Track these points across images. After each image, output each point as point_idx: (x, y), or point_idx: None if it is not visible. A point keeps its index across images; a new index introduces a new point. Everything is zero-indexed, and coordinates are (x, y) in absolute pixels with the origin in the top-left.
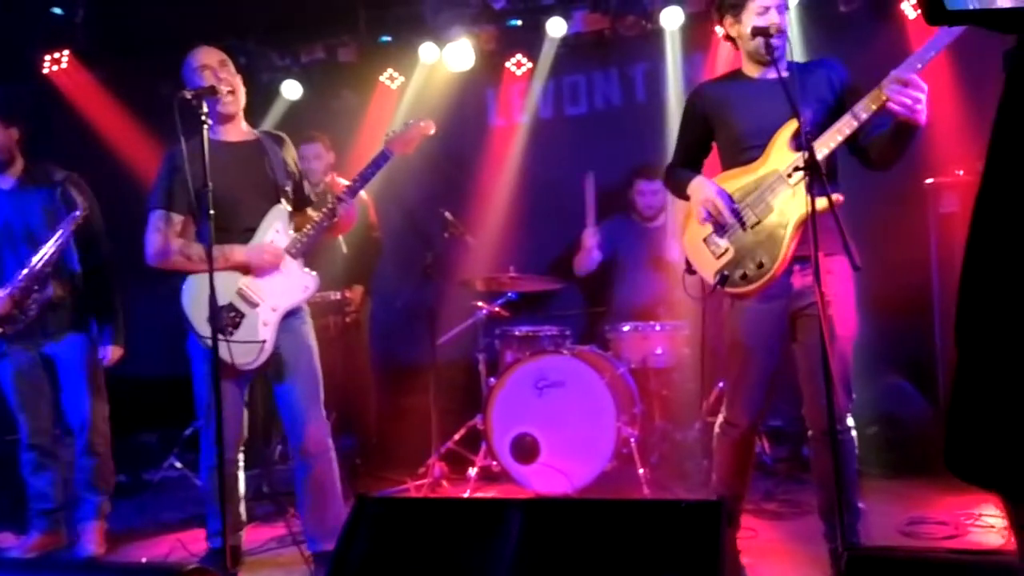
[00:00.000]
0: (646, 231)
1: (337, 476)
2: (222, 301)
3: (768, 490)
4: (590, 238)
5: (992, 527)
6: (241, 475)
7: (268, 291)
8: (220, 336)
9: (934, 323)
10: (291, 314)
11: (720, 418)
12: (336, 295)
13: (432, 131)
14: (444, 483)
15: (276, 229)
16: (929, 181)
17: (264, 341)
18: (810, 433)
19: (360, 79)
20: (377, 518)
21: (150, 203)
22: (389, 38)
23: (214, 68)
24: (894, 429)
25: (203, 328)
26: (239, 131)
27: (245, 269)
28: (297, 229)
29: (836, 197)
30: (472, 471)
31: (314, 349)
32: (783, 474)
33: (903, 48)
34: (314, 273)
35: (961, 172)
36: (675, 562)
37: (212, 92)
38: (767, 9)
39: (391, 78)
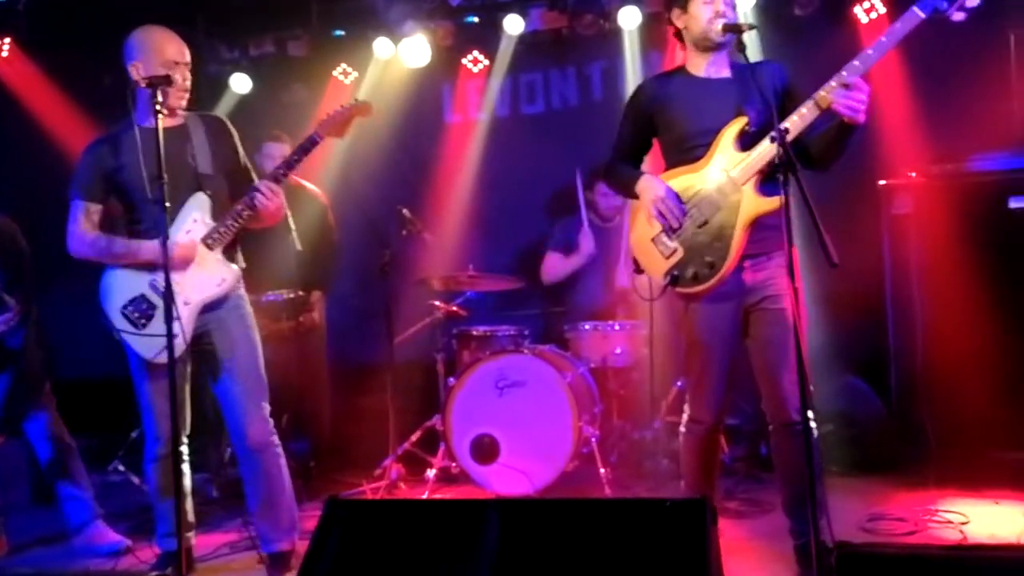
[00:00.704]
0: (604, 231)
1: (286, 472)
2: (133, 293)
3: (728, 489)
4: (586, 242)
5: (950, 523)
6: (187, 471)
7: (181, 284)
8: (131, 330)
9: (887, 323)
10: (217, 307)
11: (684, 417)
12: (291, 295)
13: (370, 113)
14: (401, 485)
15: (194, 219)
16: (882, 183)
17: (175, 335)
18: (771, 427)
19: (312, 73)
20: (348, 522)
21: (69, 193)
22: (342, 32)
23: (182, 67)
24: (849, 427)
25: (118, 320)
26: (168, 119)
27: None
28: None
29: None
30: (430, 472)
31: (252, 342)
32: (742, 473)
33: (856, 52)
34: (234, 266)
35: (914, 174)
36: (661, 562)
37: (168, 82)
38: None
39: (344, 73)
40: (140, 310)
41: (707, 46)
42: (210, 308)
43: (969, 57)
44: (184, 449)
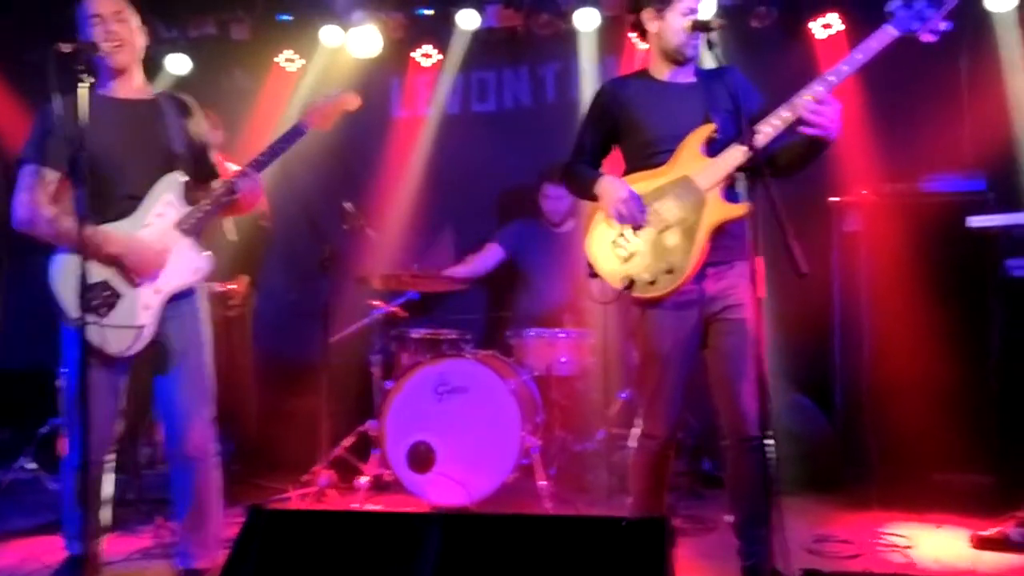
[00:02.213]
0: (553, 236)
1: (220, 486)
2: (96, 278)
3: (670, 505)
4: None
5: (895, 546)
6: (110, 476)
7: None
8: (92, 319)
9: (834, 341)
10: (180, 298)
11: (635, 431)
12: (219, 287)
13: (356, 105)
14: (331, 492)
15: (167, 201)
16: (833, 199)
17: (143, 327)
18: (726, 442)
19: (254, 58)
20: (272, 532)
21: (21, 156)
22: (288, 17)
23: (106, 19)
24: (795, 445)
25: (73, 307)
26: (132, 88)
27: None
28: (193, 203)
29: (747, 205)
30: (362, 480)
31: (207, 342)
32: (684, 488)
33: (811, 66)
34: (207, 253)
35: (865, 192)
36: None
37: (93, 48)
38: (692, 11)
39: (289, 60)
40: (101, 297)
41: (678, 59)
42: (173, 299)
43: (922, 80)
44: (110, 456)
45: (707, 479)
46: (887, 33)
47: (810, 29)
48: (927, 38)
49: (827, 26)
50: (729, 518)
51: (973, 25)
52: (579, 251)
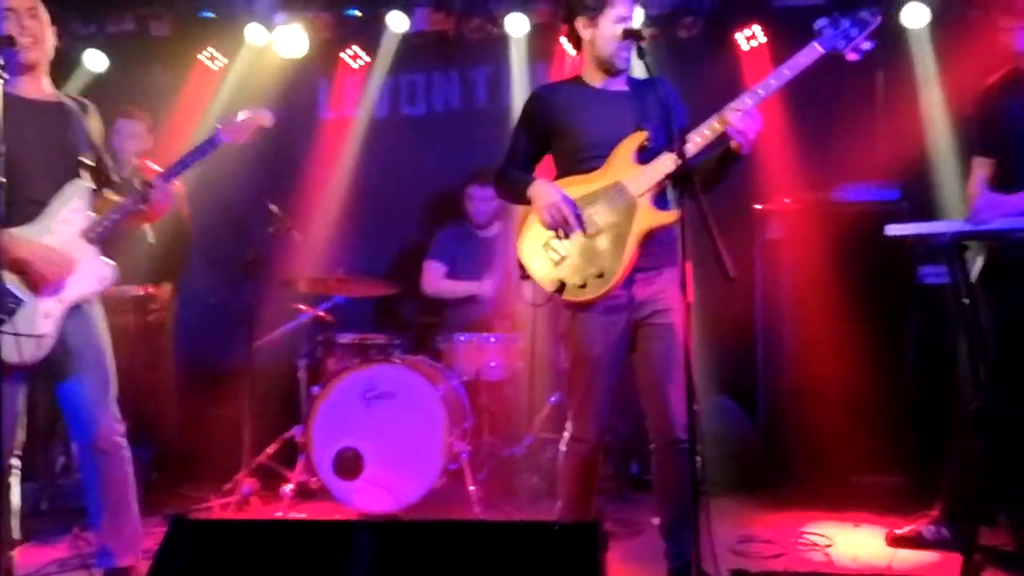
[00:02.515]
0: (480, 240)
1: (133, 482)
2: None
3: (598, 509)
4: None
5: (816, 545)
6: (16, 485)
7: None
8: None
9: (757, 345)
10: (80, 304)
11: (565, 435)
12: (138, 290)
13: (270, 124)
14: (254, 500)
15: (74, 208)
16: (757, 207)
17: (43, 335)
18: (653, 446)
19: (175, 55)
20: (197, 543)
21: None
22: (211, 14)
23: (20, 13)
24: (719, 447)
25: None
26: (39, 88)
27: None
28: (98, 212)
29: (677, 212)
30: (287, 487)
31: (107, 346)
32: (613, 492)
33: (736, 76)
34: (112, 263)
35: (788, 200)
36: None
37: (10, 43)
38: (625, 19)
39: (211, 57)
40: (2, 303)
41: (610, 69)
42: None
43: (841, 93)
44: (16, 462)
45: (635, 482)
46: (814, 50)
47: (735, 40)
48: (851, 57)
49: (751, 38)
50: (656, 521)
51: (889, 41)
52: (507, 255)
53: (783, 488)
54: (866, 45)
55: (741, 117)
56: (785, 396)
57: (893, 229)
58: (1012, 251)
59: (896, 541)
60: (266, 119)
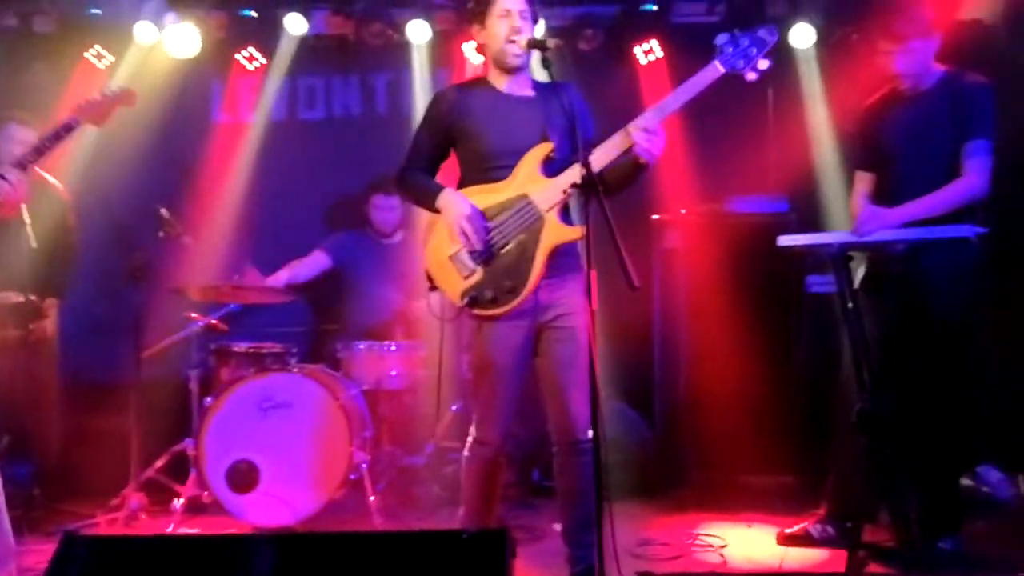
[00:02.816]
0: (382, 247)
1: (2, 496)
2: None
3: (500, 516)
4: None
5: (711, 546)
6: None
7: None
8: None
9: (654, 352)
10: None
11: (469, 440)
12: (19, 297)
13: (134, 102)
14: (142, 516)
15: None
16: (655, 217)
17: None
18: (555, 448)
19: (59, 54)
20: (90, 561)
21: None
22: (99, 11)
23: None
24: (617, 452)
25: None
26: None
27: None
28: None
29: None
30: (177, 502)
31: None
32: (514, 499)
33: (635, 89)
34: None
35: (684, 211)
36: None
37: None
38: (508, 12)
39: (98, 56)
40: None
41: (505, 67)
42: None
43: (734, 107)
44: None
45: (536, 489)
46: (715, 70)
47: (634, 54)
48: (751, 76)
49: (649, 52)
50: (558, 527)
51: (779, 59)
52: (409, 263)
53: (678, 491)
54: (763, 64)
55: (647, 137)
56: (680, 401)
57: (785, 240)
58: (890, 262)
59: (786, 540)
60: (128, 96)
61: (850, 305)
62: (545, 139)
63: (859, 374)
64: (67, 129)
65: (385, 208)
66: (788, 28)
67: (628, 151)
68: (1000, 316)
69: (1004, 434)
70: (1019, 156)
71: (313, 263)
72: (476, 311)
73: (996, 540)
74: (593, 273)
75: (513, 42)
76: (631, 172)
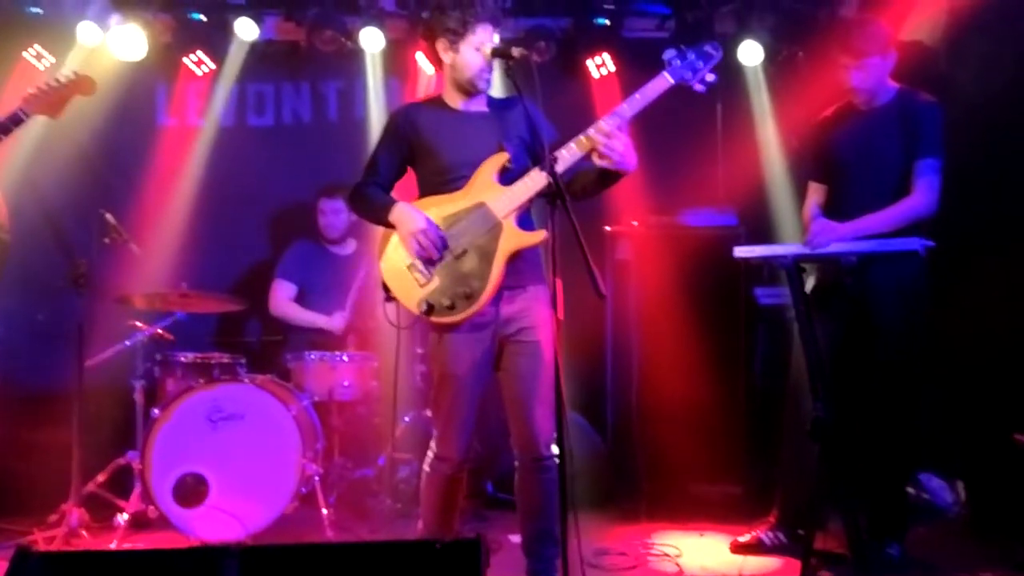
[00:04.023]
0: (333, 257)
1: None
2: None
3: (457, 531)
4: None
5: (666, 555)
6: None
7: None
8: None
9: (606, 363)
10: None
11: (429, 455)
12: None
13: (92, 90)
14: (83, 533)
15: None
16: (607, 228)
17: None
18: (517, 463)
19: None
20: None
21: None
22: (39, 10)
23: None
24: (570, 463)
25: None
26: None
27: None
28: None
29: (540, 233)
30: (121, 517)
31: None
32: (469, 512)
33: (587, 102)
34: None
35: (636, 223)
36: None
37: None
38: (484, 46)
39: (38, 56)
40: None
41: (470, 90)
42: None
43: (684, 122)
44: None
45: (490, 501)
46: (665, 80)
47: (587, 67)
48: (698, 88)
49: (601, 65)
50: (516, 538)
51: (727, 75)
52: (363, 276)
53: (631, 501)
54: (710, 77)
55: (602, 139)
56: (632, 412)
57: (740, 251)
58: (841, 273)
59: (739, 548)
60: (86, 83)
61: (804, 316)
62: (501, 150)
63: (813, 383)
64: (15, 121)
65: (330, 212)
66: (736, 45)
67: (587, 156)
68: (944, 326)
69: (943, 441)
70: (958, 174)
71: (285, 295)
72: (434, 319)
73: (938, 546)
74: (559, 282)
75: (483, 75)
76: (600, 178)
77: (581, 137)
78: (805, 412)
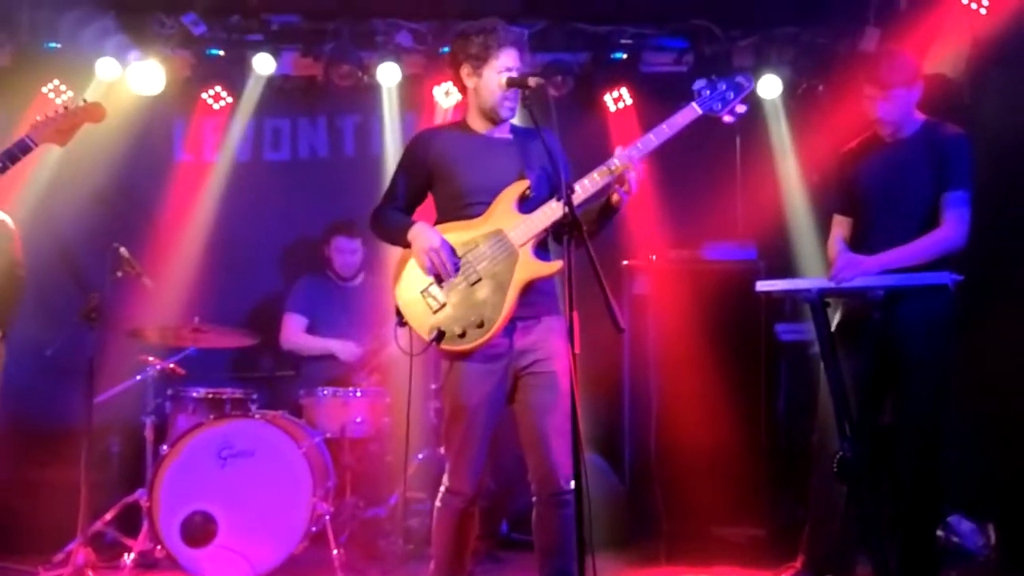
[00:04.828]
0: (343, 290)
1: None
2: None
3: (469, 572)
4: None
5: None
6: None
7: None
8: None
9: (624, 400)
10: None
11: (441, 490)
12: None
13: (102, 117)
14: (89, 573)
15: None
16: (625, 263)
17: None
18: (535, 498)
19: (14, 88)
20: None
21: None
22: (57, 44)
23: None
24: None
25: None
26: None
27: None
28: None
29: (556, 263)
30: (128, 557)
31: None
32: (483, 553)
33: (604, 135)
34: None
35: (654, 257)
36: None
37: None
38: (508, 70)
39: (56, 91)
40: None
41: (494, 117)
42: None
43: (703, 155)
44: None
45: (505, 542)
46: (693, 111)
47: (604, 101)
48: (728, 119)
49: (618, 99)
50: None
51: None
52: (371, 305)
53: (650, 542)
54: (741, 108)
55: (635, 168)
56: (651, 450)
57: (763, 285)
58: (868, 308)
59: None
60: (96, 111)
61: (829, 352)
62: (522, 177)
63: (839, 422)
64: (22, 149)
65: (347, 251)
66: (755, 79)
67: (604, 190)
68: (971, 364)
69: (973, 483)
70: (982, 207)
71: (295, 328)
72: (444, 346)
73: None
74: (576, 315)
75: (508, 97)
76: (606, 213)
77: (602, 167)
78: (832, 452)
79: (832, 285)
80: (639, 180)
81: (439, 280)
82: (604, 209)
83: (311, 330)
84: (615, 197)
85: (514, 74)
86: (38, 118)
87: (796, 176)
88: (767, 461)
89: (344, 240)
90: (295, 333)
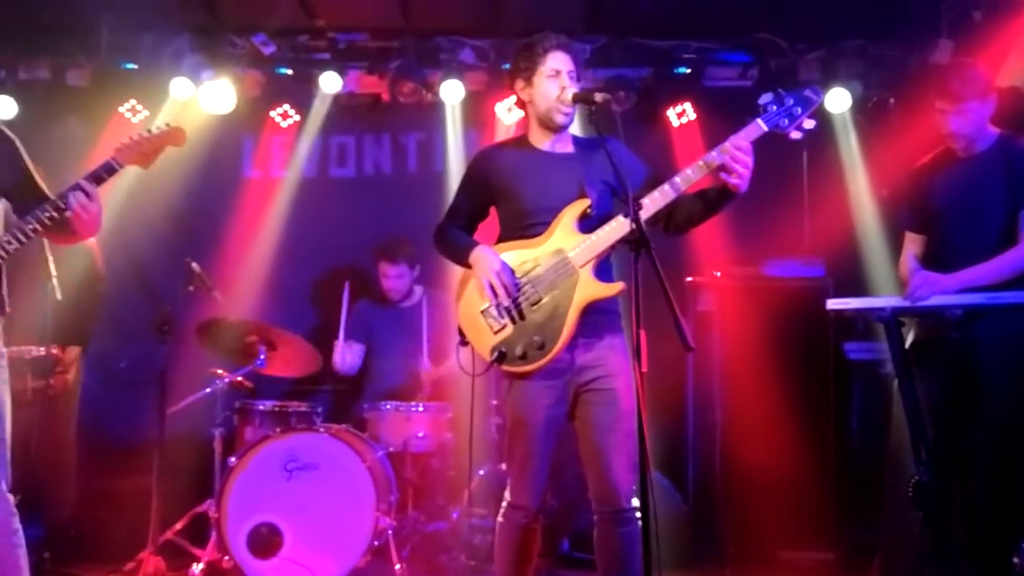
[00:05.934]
0: (400, 312)
1: (26, 569)
2: None
3: None
4: (338, 354)
5: None
6: None
7: None
8: None
9: (687, 418)
10: None
11: (503, 505)
12: (39, 351)
13: (183, 141)
14: None
15: None
16: (689, 279)
17: None
18: (596, 516)
19: (92, 107)
20: None
21: None
22: (134, 65)
23: None
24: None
25: None
26: None
27: None
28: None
29: (617, 285)
30: (196, 567)
31: (6, 413)
32: (543, 571)
33: (667, 151)
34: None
35: (718, 273)
36: None
37: None
38: (558, 73)
39: (133, 110)
40: None
41: (551, 125)
42: None
43: (769, 170)
44: None
45: (566, 560)
46: (758, 128)
47: (667, 116)
48: (795, 135)
49: (681, 114)
50: None
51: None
52: (428, 321)
53: (714, 565)
54: (810, 124)
55: (740, 157)
56: (716, 471)
57: (834, 303)
58: (945, 328)
59: None
60: (177, 135)
61: (903, 373)
62: (583, 195)
63: (915, 445)
64: (108, 171)
65: (393, 276)
66: (823, 92)
67: (708, 177)
68: None
69: None
70: None
71: (355, 354)
72: (505, 367)
73: None
74: (643, 334)
75: (561, 101)
76: (718, 201)
77: (672, 181)
78: (907, 476)
79: (907, 304)
80: (751, 164)
81: (499, 303)
82: (720, 196)
83: (369, 355)
84: (735, 182)
85: (565, 77)
86: (123, 141)
87: (866, 192)
88: (836, 483)
89: (387, 266)
90: (344, 363)
